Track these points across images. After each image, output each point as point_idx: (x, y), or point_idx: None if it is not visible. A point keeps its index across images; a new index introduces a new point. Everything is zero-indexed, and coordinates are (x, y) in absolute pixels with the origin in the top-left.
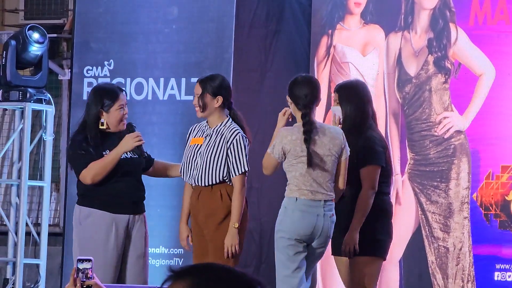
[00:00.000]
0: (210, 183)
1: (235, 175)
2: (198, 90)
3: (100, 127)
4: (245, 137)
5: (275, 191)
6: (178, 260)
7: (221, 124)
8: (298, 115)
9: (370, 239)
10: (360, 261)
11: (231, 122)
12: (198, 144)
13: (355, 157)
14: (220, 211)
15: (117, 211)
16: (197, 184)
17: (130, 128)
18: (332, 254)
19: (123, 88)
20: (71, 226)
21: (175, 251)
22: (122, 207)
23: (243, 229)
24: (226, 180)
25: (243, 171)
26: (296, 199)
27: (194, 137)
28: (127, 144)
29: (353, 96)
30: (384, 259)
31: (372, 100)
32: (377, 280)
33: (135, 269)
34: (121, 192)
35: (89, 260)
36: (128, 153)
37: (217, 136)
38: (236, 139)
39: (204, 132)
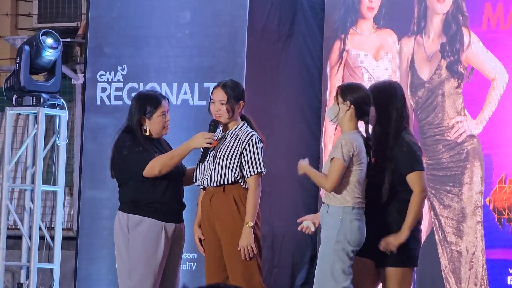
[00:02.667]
0: (222, 182)
1: (250, 175)
2: (223, 96)
3: (144, 133)
4: (260, 140)
5: (287, 196)
6: (191, 264)
7: (236, 127)
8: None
9: (404, 250)
10: (397, 272)
11: (246, 126)
12: (212, 147)
13: (395, 162)
14: (236, 215)
15: (166, 219)
16: (209, 185)
17: (211, 127)
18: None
19: (165, 96)
20: (86, 230)
21: (189, 255)
22: (171, 216)
23: (259, 231)
24: (239, 181)
25: (258, 171)
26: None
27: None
28: (198, 141)
29: (390, 98)
30: (416, 267)
31: (406, 102)
32: None
33: (171, 278)
34: (170, 200)
35: None
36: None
37: (231, 137)
38: (252, 140)
39: (218, 135)
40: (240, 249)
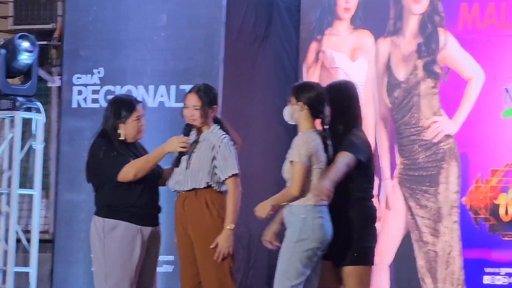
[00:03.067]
0: (194, 186)
1: (225, 177)
2: (196, 101)
3: (118, 138)
4: (232, 141)
5: (263, 196)
6: (168, 267)
7: (208, 131)
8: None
9: (360, 248)
10: (356, 270)
11: (218, 128)
12: (185, 151)
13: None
14: (207, 218)
15: (142, 222)
16: (181, 189)
17: (185, 131)
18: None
19: (140, 100)
20: (62, 233)
21: (166, 258)
22: (146, 219)
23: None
24: (212, 185)
25: (233, 173)
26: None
27: None
28: (172, 145)
29: (344, 97)
30: (373, 265)
31: (359, 102)
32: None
33: (148, 282)
34: (145, 203)
35: None
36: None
37: (203, 141)
38: (223, 143)
39: (191, 139)
40: (216, 251)
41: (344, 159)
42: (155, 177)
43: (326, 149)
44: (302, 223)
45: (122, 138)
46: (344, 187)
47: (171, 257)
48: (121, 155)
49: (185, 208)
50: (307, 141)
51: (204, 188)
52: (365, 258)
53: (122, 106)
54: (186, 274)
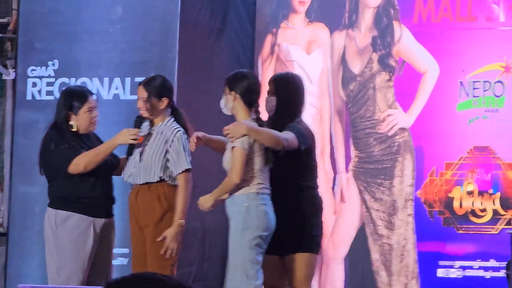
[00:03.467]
0: (147, 180)
1: (177, 173)
2: (143, 93)
3: (71, 129)
4: (186, 136)
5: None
6: (123, 259)
7: (162, 123)
8: (244, 110)
9: (308, 235)
10: (299, 259)
11: (173, 121)
12: (138, 143)
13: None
14: (157, 211)
15: (94, 214)
16: (135, 182)
17: (136, 123)
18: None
19: (93, 92)
20: (17, 225)
21: (121, 250)
22: (99, 210)
23: (183, 228)
24: (165, 179)
25: (185, 168)
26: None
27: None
28: (123, 137)
29: (289, 89)
30: (318, 253)
31: (305, 95)
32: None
33: (103, 274)
34: (100, 195)
35: None
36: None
37: (157, 134)
38: (177, 137)
39: (145, 131)
40: (164, 245)
41: (288, 134)
42: (109, 168)
43: None
44: (246, 212)
45: (74, 129)
46: (290, 177)
47: (125, 250)
48: (71, 147)
49: (137, 201)
50: None
51: (157, 181)
52: (313, 246)
53: (74, 97)
54: (138, 267)
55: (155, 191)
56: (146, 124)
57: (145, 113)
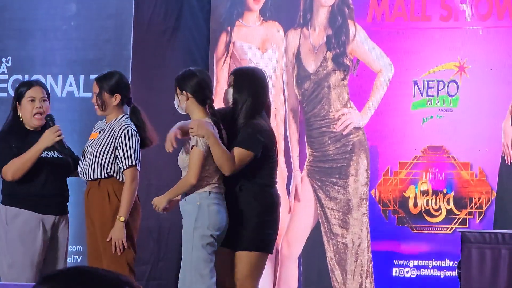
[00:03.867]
0: (96, 176)
1: (124, 168)
2: (96, 88)
3: (21, 120)
4: (135, 132)
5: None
6: (76, 257)
7: (114, 120)
8: (199, 108)
9: (260, 234)
10: (249, 256)
11: (125, 118)
12: (92, 139)
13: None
14: (107, 208)
15: (44, 211)
16: (86, 178)
17: (50, 121)
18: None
19: (43, 82)
20: None
21: (74, 248)
22: (49, 208)
23: (136, 226)
24: (115, 176)
25: (130, 164)
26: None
27: (93, 132)
28: (47, 138)
29: (248, 82)
30: (270, 253)
31: (268, 90)
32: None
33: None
34: (49, 193)
35: None
36: (54, 152)
37: (108, 130)
38: (125, 133)
39: (100, 128)
40: (111, 242)
41: (243, 157)
42: (63, 166)
43: (220, 135)
44: (198, 211)
45: (21, 120)
46: (246, 174)
47: (79, 247)
48: (10, 150)
49: (89, 198)
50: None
51: (107, 177)
52: (260, 244)
53: (21, 85)
54: (93, 263)
55: (105, 188)
56: (102, 122)
57: (98, 109)
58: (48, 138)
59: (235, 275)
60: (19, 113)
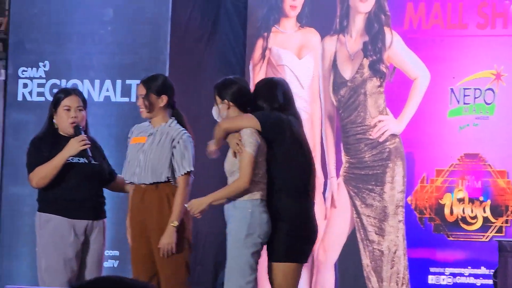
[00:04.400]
0: (155, 181)
1: (180, 174)
2: (142, 90)
3: (55, 128)
4: (191, 138)
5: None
6: (113, 262)
7: (165, 125)
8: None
9: (292, 244)
10: (281, 267)
11: (176, 123)
12: (140, 143)
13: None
14: (166, 212)
15: (75, 216)
16: (140, 182)
17: (76, 131)
18: (275, 261)
19: (80, 91)
20: (7, 227)
21: (111, 253)
22: (80, 213)
23: (185, 228)
24: (171, 181)
25: (187, 170)
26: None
27: (136, 136)
28: (72, 147)
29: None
30: (304, 263)
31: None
32: None
33: (91, 274)
34: (80, 197)
35: None
36: (84, 158)
37: (162, 135)
38: (183, 139)
39: (147, 131)
40: (160, 246)
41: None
42: (95, 172)
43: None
44: (250, 218)
45: (56, 127)
46: (275, 183)
47: (116, 252)
48: (39, 157)
49: (144, 201)
50: (252, 133)
51: (164, 182)
52: (293, 255)
53: (58, 93)
54: (138, 267)
55: (163, 191)
56: (146, 124)
57: (143, 112)
58: (73, 147)
59: (272, 286)
60: (55, 120)
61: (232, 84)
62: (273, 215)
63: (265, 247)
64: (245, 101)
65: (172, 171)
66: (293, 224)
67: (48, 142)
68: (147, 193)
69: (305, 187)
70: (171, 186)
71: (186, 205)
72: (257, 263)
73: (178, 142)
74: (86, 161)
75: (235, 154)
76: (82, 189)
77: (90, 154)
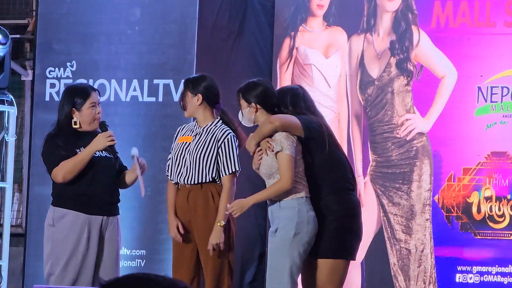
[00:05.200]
0: (200, 181)
1: (225, 174)
2: (182, 89)
3: (73, 126)
4: (236, 138)
5: (236, 192)
6: (140, 261)
7: (211, 124)
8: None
9: (339, 241)
10: (328, 263)
11: (222, 123)
12: (186, 142)
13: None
14: (212, 212)
15: (92, 212)
16: (186, 182)
17: (103, 127)
18: (321, 257)
19: (96, 88)
20: (34, 226)
21: (137, 252)
22: (97, 208)
23: (231, 229)
24: (216, 180)
25: (233, 170)
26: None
27: (182, 136)
28: (99, 143)
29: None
30: (351, 260)
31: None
32: None
33: (107, 271)
34: (97, 193)
35: None
36: (103, 152)
37: (207, 135)
38: (228, 139)
39: (193, 131)
40: (209, 247)
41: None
42: (110, 166)
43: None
44: (298, 217)
45: (77, 126)
46: (322, 180)
47: (142, 252)
48: (60, 153)
49: (189, 202)
50: (287, 135)
51: (209, 182)
52: (340, 251)
53: (77, 94)
54: (180, 267)
55: (208, 191)
56: (193, 124)
57: (185, 111)
58: (100, 142)
59: (316, 283)
60: (75, 119)
61: (256, 86)
62: (321, 212)
63: None
64: (271, 102)
65: (218, 170)
66: (342, 220)
67: (63, 138)
68: (192, 193)
69: (351, 183)
70: (216, 186)
71: (228, 206)
72: (302, 264)
73: (224, 143)
74: (103, 155)
75: (266, 152)
76: (98, 184)
77: (116, 150)
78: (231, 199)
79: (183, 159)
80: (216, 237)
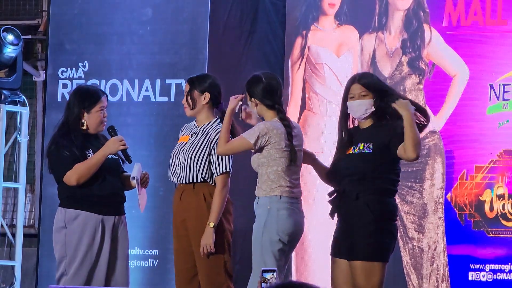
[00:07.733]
0: (192, 180)
1: (218, 174)
2: (187, 87)
3: (80, 127)
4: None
5: (246, 192)
6: (153, 261)
7: (208, 124)
8: (269, 112)
9: (375, 243)
10: (363, 266)
11: (219, 122)
12: (184, 142)
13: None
14: (204, 213)
15: (104, 212)
16: (179, 181)
17: (112, 132)
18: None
19: (105, 92)
20: (46, 227)
21: (150, 252)
22: (109, 208)
23: (231, 229)
24: (208, 181)
25: (224, 171)
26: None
27: (182, 135)
28: (112, 147)
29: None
30: (387, 262)
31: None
32: None
33: (120, 270)
34: (107, 193)
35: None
36: (116, 156)
37: (202, 134)
38: None
39: (191, 130)
40: (200, 248)
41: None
42: (118, 167)
43: (289, 137)
44: (267, 215)
45: (84, 128)
46: (362, 182)
47: (155, 251)
48: (72, 156)
49: (182, 201)
50: (268, 126)
51: (201, 182)
52: (378, 254)
53: (88, 96)
54: (181, 266)
55: (200, 191)
56: (192, 124)
57: (187, 109)
58: (112, 146)
59: (354, 286)
60: (84, 121)
61: (258, 81)
62: (358, 213)
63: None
64: (272, 99)
65: (208, 171)
66: (380, 221)
67: (71, 140)
68: (185, 193)
69: (392, 187)
70: (209, 186)
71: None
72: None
73: (216, 142)
74: (110, 156)
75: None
76: (107, 184)
77: (129, 154)
78: (224, 200)
79: (177, 158)
80: (206, 238)
